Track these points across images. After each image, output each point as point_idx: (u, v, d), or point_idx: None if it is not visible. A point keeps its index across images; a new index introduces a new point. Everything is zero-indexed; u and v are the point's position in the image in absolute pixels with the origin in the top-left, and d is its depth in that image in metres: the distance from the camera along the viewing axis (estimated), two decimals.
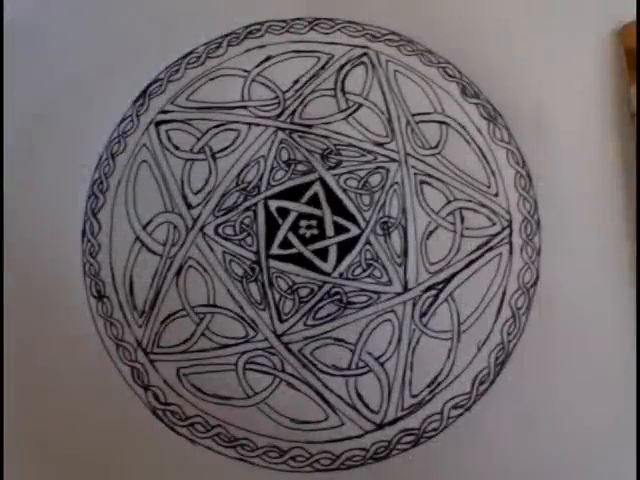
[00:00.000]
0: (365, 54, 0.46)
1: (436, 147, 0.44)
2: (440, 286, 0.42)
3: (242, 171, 0.44)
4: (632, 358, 0.42)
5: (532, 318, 0.42)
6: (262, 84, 0.45)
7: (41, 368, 0.42)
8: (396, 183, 0.44)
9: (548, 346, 0.42)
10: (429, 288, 0.42)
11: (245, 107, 0.45)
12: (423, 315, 0.42)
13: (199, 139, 0.44)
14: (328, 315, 0.42)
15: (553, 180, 0.44)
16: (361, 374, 0.42)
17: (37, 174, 0.44)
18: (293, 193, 0.43)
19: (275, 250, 0.43)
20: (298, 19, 0.46)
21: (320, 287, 0.42)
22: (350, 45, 0.46)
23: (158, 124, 0.45)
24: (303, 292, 0.42)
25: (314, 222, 0.43)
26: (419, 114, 0.45)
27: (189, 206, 0.43)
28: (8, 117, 0.44)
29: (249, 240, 0.43)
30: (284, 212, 0.43)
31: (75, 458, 0.41)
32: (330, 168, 0.44)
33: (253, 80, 0.45)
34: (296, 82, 0.45)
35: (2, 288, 0.42)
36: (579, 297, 0.42)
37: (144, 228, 0.43)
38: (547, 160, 0.44)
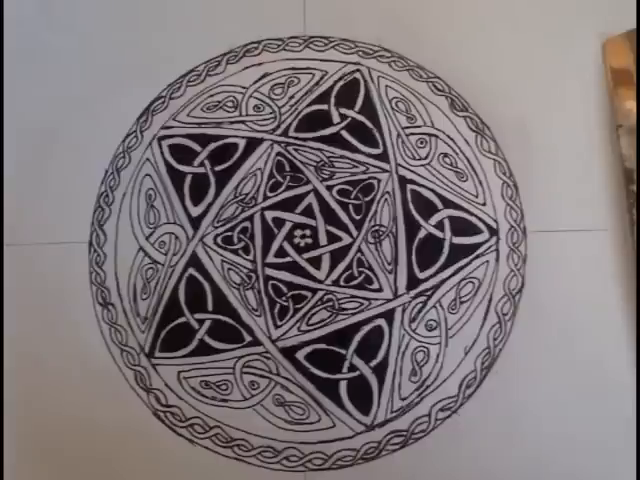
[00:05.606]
0: (358, 70, 0.47)
1: (426, 158, 0.46)
2: (429, 292, 0.44)
3: (240, 183, 0.46)
4: (618, 361, 0.43)
5: (517, 324, 0.43)
6: (259, 100, 0.47)
7: (47, 371, 0.44)
8: (387, 193, 0.45)
9: (533, 351, 0.43)
10: (418, 294, 0.44)
11: (243, 122, 0.47)
12: (412, 320, 0.44)
13: (199, 153, 0.46)
14: (321, 321, 0.44)
15: (538, 189, 0.45)
16: (352, 378, 0.43)
17: (46, 186, 0.46)
18: (288, 204, 0.45)
19: (271, 259, 0.45)
20: (294, 37, 0.48)
21: (313, 294, 0.44)
22: (344, 62, 0.47)
23: (161, 139, 0.47)
24: (297, 299, 0.44)
25: (308, 232, 0.45)
26: (409, 127, 0.46)
27: (190, 217, 0.46)
28: (14, 130, 0.47)
29: (246, 249, 0.45)
30: (280, 222, 0.45)
31: (78, 458, 0.43)
32: (324, 180, 0.45)
33: (251, 96, 0.47)
34: (291, 98, 0.47)
35: (2, 292, 0.45)
36: (564, 304, 0.43)
37: (147, 238, 0.46)
38: (532, 170, 0.45)
